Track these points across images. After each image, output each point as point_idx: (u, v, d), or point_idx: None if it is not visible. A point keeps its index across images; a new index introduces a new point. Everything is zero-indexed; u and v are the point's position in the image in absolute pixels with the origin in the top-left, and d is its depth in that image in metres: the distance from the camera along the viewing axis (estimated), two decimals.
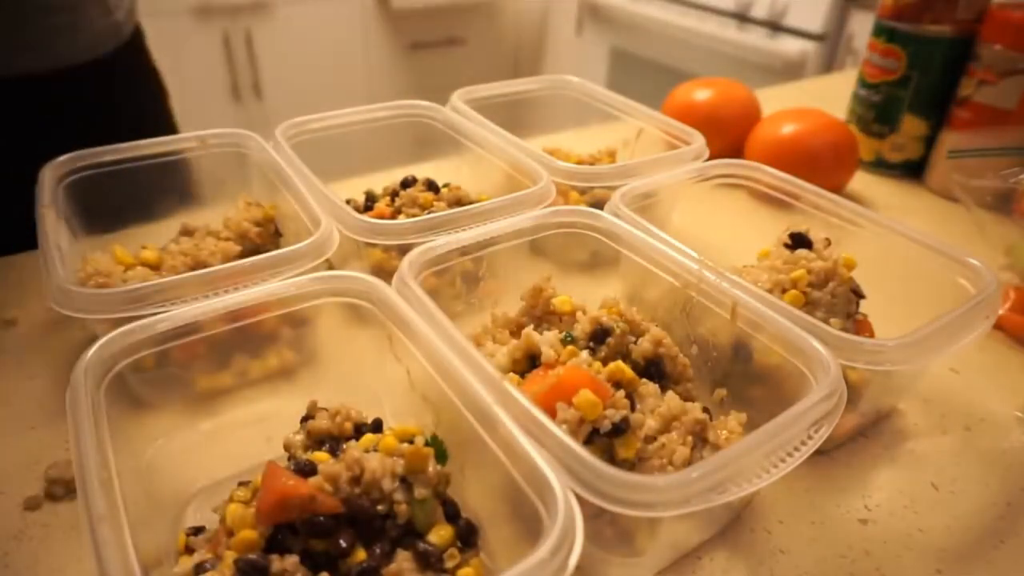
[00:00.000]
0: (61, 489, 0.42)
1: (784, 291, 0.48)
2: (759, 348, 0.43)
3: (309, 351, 0.50)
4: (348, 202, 0.62)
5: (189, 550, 0.35)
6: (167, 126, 0.89)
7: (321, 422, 0.39)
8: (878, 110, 0.85)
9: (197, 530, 0.36)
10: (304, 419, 0.40)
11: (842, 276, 0.49)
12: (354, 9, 2.26)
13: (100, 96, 0.78)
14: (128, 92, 0.82)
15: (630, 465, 0.38)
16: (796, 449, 0.35)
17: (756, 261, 0.54)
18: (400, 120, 0.70)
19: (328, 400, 0.41)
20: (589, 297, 0.50)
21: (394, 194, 0.63)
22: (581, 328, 0.45)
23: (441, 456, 0.38)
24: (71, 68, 0.74)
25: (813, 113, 0.81)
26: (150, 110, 0.87)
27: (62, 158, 0.56)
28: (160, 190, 0.59)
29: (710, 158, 0.63)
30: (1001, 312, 0.59)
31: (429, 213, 0.58)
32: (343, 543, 0.33)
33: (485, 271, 0.51)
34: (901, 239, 0.52)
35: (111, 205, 0.57)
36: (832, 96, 0.95)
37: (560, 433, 0.33)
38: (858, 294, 0.50)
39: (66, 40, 0.73)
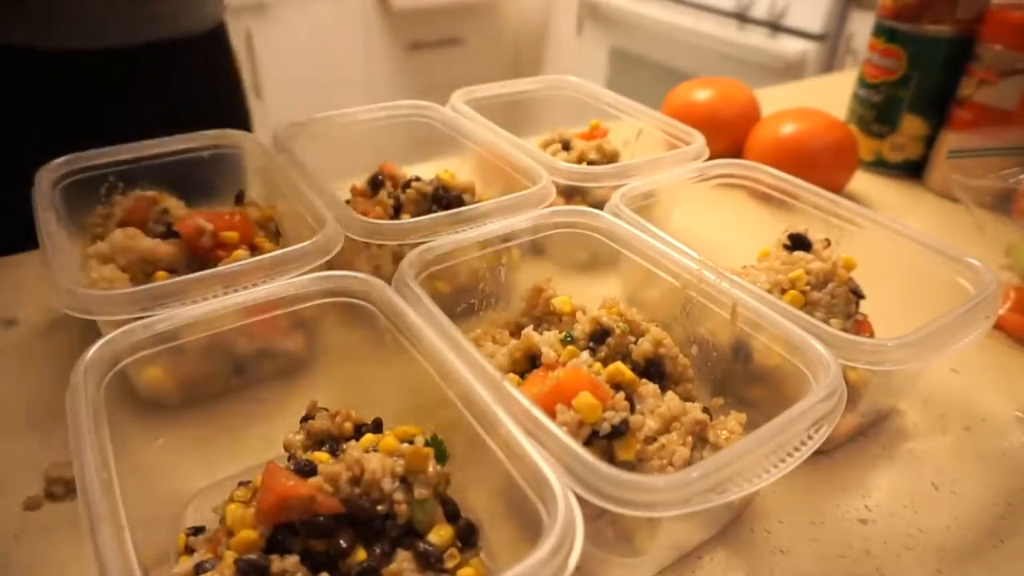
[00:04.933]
0: (61, 489, 0.42)
1: (783, 292, 0.48)
2: (759, 348, 0.43)
3: (309, 351, 0.50)
4: (348, 202, 0.62)
5: (189, 550, 0.35)
6: (244, 105, 0.93)
7: (321, 422, 0.39)
8: (878, 110, 0.85)
9: (197, 530, 0.36)
10: (304, 419, 0.40)
11: (841, 277, 0.49)
12: (354, 9, 2.26)
13: (211, 65, 0.83)
14: (228, 62, 0.88)
15: (630, 466, 0.38)
16: (796, 449, 0.35)
17: (756, 261, 0.54)
18: (400, 120, 0.70)
19: (328, 400, 0.41)
20: (589, 297, 0.50)
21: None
22: (581, 328, 0.45)
23: (441, 456, 0.38)
24: (191, 37, 0.78)
25: (813, 113, 0.81)
26: (238, 81, 0.92)
27: (58, 160, 0.55)
28: (157, 191, 0.59)
29: (710, 158, 0.63)
30: (1001, 312, 0.59)
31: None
32: (343, 543, 0.33)
33: (485, 271, 0.51)
34: (901, 239, 0.52)
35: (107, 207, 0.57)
36: (832, 96, 0.95)
37: (560, 433, 0.33)
38: (858, 294, 0.50)
39: (190, 9, 0.77)
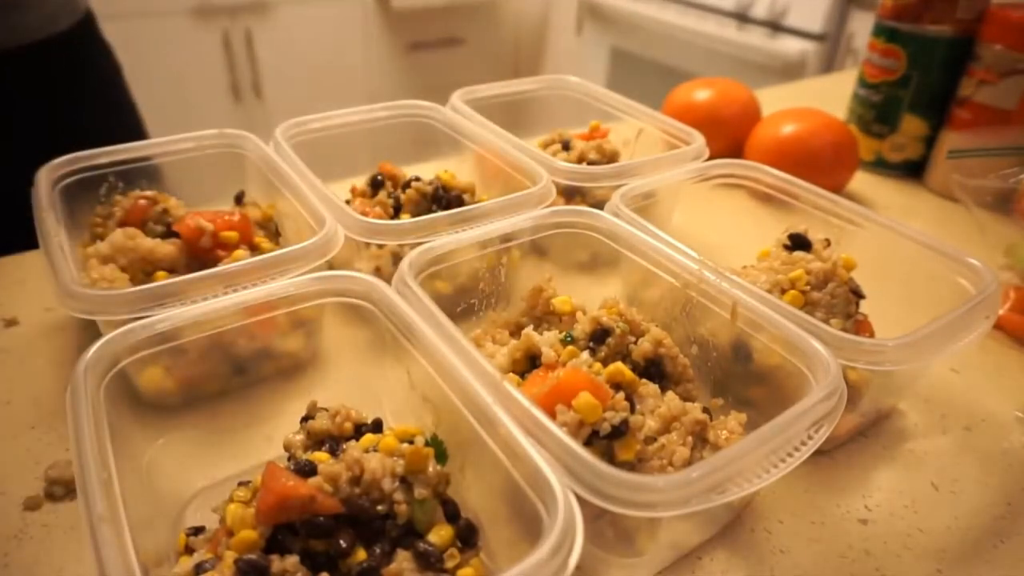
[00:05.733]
0: (61, 489, 0.42)
1: (783, 291, 0.48)
2: (759, 348, 0.43)
3: (309, 351, 0.50)
4: (348, 202, 0.62)
5: (189, 550, 0.35)
6: (127, 99, 0.89)
7: (321, 422, 0.39)
8: (878, 110, 0.85)
9: (197, 530, 0.36)
10: (304, 419, 0.40)
11: (841, 277, 0.49)
12: (354, 9, 2.26)
13: (60, 71, 0.78)
14: (88, 67, 0.83)
15: (630, 466, 0.38)
16: (796, 449, 0.35)
17: (756, 261, 0.54)
18: (400, 120, 0.70)
19: (328, 400, 0.41)
20: (589, 297, 0.50)
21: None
22: (581, 328, 0.45)
23: (441, 456, 0.38)
24: (29, 45, 0.74)
25: (813, 113, 0.81)
26: (110, 83, 0.87)
27: (58, 160, 0.56)
28: (157, 191, 0.59)
29: (710, 158, 0.63)
30: (1001, 312, 0.59)
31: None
32: (343, 543, 0.33)
33: (485, 271, 0.51)
34: (901, 239, 0.52)
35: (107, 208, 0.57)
36: (832, 96, 0.95)
37: (560, 433, 0.33)
38: (858, 294, 0.50)
39: (23, 16, 0.73)
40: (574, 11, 2.54)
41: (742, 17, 2.04)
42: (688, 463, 0.38)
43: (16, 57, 0.73)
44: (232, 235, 0.53)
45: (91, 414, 0.33)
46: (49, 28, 0.76)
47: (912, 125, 0.84)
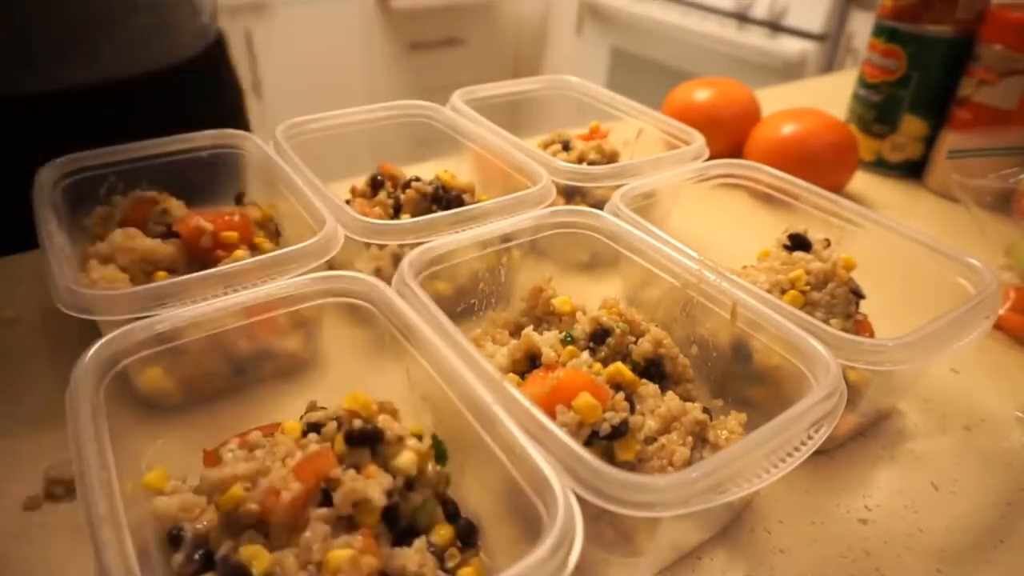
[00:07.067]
0: (61, 489, 0.42)
1: (783, 292, 0.48)
2: (759, 348, 0.43)
3: (309, 351, 0.50)
4: (348, 203, 0.62)
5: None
6: (246, 123, 0.89)
7: None
8: (878, 110, 0.85)
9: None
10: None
11: (841, 277, 0.49)
12: (354, 9, 2.26)
13: (188, 97, 0.78)
14: (214, 91, 0.83)
15: (630, 466, 0.38)
16: (796, 449, 0.35)
17: (756, 261, 0.54)
18: (400, 120, 0.70)
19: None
20: (589, 297, 0.50)
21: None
22: (581, 328, 0.45)
23: (441, 456, 0.38)
24: (160, 71, 0.74)
25: (813, 113, 0.81)
26: (231, 108, 0.87)
27: (59, 160, 0.55)
28: (157, 191, 0.59)
29: (710, 158, 0.63)
30: (1001, 312, 0.59)
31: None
32: None
33: (485, 271, 0.51)
34: (901, 239, 0.52)
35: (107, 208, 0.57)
36: (832, 96, 0.95)
37: (560, 433, 0.33)
38: (858, 294, 0.50)
39: (155, 42, 0.73)
40: (574, 11, 2.54)
41: (742, 17, 2.04)
42: (688, 463, 0.38)
43: (144, 83, 0.73)
44: (232, 235, 0.53)
45: (91, 414, 0.33)
46: (181, 54, 0.75)
47: (912, 125, 0.84)
